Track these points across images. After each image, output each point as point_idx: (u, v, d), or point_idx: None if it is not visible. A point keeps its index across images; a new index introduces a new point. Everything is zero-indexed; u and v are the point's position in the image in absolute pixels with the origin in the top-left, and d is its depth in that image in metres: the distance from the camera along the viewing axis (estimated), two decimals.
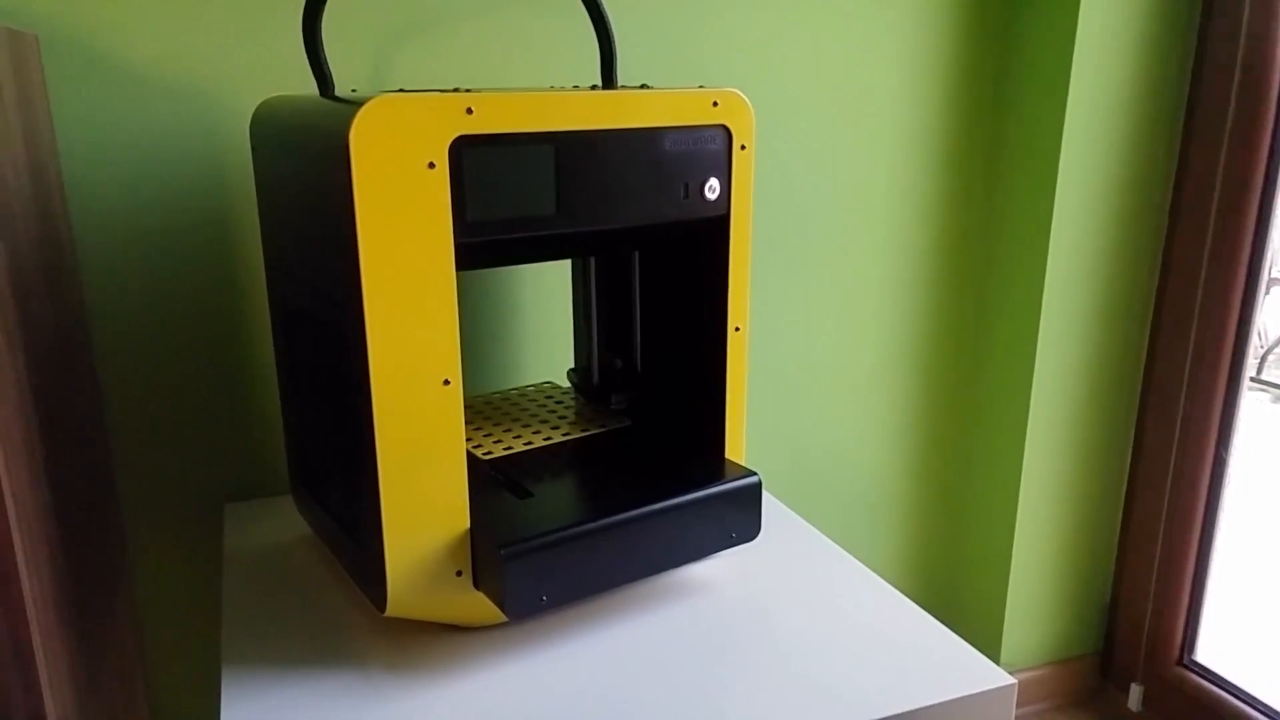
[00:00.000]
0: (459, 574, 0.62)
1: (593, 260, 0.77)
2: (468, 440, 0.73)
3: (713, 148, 0.66)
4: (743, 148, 0.67)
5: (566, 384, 0.91)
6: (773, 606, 0.69)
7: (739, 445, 0.73)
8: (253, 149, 0.69)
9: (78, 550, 0.69)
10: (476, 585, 0.62)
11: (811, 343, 1.07)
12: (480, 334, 0.92)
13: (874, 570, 1.18)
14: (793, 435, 1.10)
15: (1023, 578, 1.17)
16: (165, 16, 0.75)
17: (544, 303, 0.94)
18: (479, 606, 0.63)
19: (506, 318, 0.93)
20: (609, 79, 0.70)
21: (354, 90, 0.72)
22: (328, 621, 0.67)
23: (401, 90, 0.60)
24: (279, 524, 0.80)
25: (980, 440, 1.19)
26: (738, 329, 0.70)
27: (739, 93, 0.65)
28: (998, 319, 1.14)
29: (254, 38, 0.78)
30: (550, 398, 0.82)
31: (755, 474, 0.69)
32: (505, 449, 0.71)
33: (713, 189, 0.66)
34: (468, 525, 0.61)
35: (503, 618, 0.64)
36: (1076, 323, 1.09)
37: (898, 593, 0.70)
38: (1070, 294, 1.08)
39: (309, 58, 0.64)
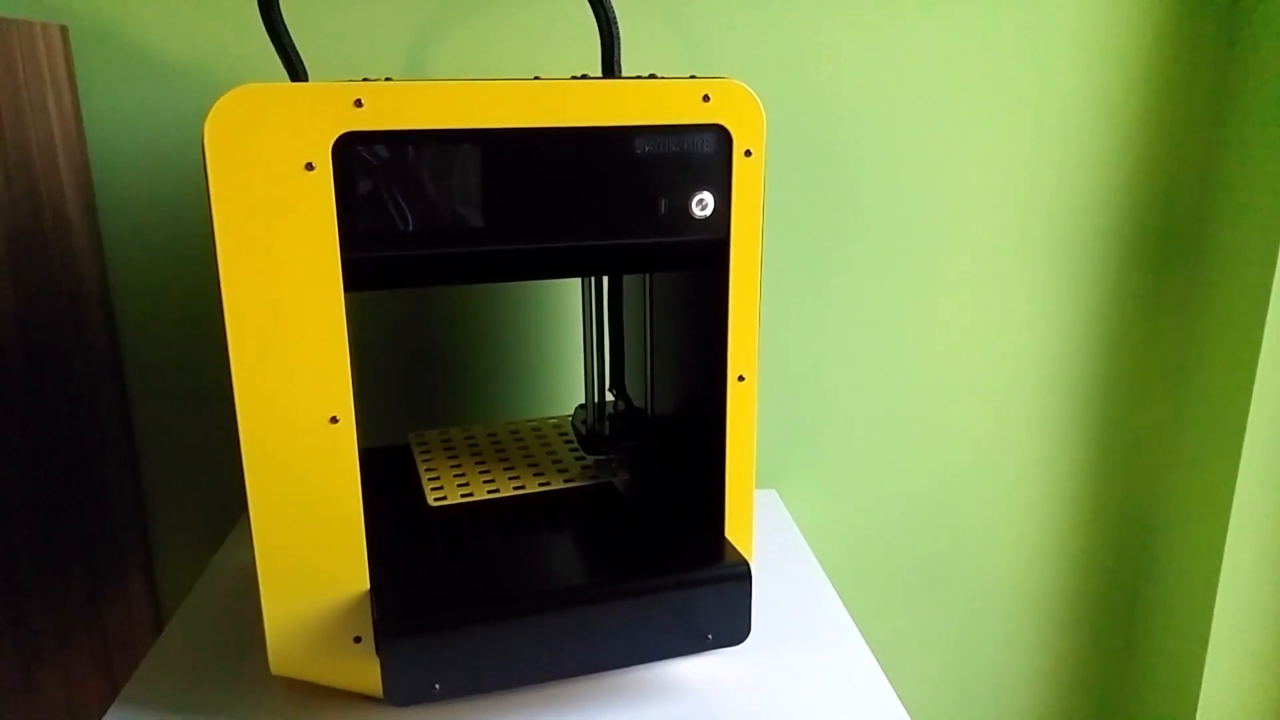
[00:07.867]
0: (358, 640, 0.53)
1: (589, 281, 0.66)
2: (433, 479, 0.64)
3: (704, 153, 0.52)
4: (748, 154, 0.53)
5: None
6: None
7: (744, 521, 0.59)
8: None
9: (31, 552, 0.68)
10: (378, 654, 0.53)
11: (931, 385, 0.88)
12: (530, 354, 0.83)
13: (1006, 688, 0.97)
14: (898, 511, 0.92)
15: None
16: (193, 7, 0.72)
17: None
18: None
19: (560, 335, 0.83)
20: (609, 68, 0.59)
21: (351, 80, 0.65)
22: (248, 671, 0.60)
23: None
24: None
25: (1164, 544, 0.94)
26: (742, 378, 0.56)
27: (742, 84, 0.52)
28: (1196, 373, 0.89)
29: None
30: (563, 435, 0.71)
31: (745, 562, 0.55)
32: (465, 495, 0.62)
33: (703, 205, 0.53)
34: (366, 586, 0.53)
35: None
36: None
37: None
38: None
39: (271, 40, 0.58)
